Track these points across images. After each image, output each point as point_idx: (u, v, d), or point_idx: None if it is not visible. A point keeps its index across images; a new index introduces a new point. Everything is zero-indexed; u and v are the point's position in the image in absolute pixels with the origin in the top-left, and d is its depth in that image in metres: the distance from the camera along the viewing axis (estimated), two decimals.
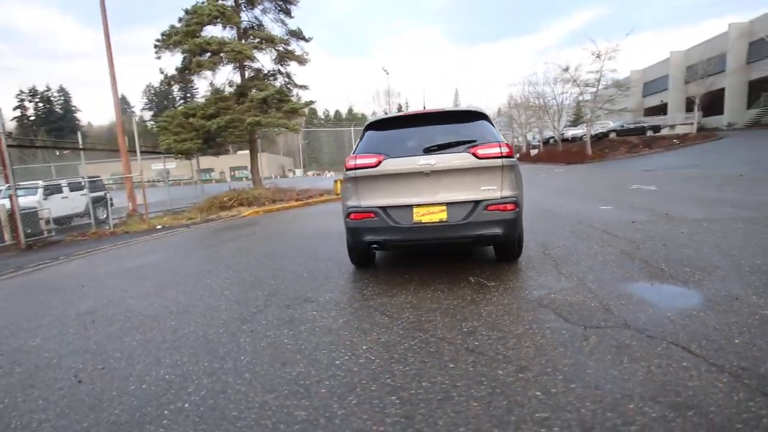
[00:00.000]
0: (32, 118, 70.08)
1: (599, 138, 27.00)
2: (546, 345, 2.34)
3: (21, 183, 10.61)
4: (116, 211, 12.68)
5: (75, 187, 12.58)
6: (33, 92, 70.68)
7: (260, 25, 15.23)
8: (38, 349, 2.95)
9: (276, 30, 15.12)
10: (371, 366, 2.25)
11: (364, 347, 2.49)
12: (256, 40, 14.05)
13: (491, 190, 3.37)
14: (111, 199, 13.00)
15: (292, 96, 14.67)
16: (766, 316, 2.46)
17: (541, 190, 10.93)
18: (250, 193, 13.11)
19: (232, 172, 59.24)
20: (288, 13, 15.62)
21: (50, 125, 66.81)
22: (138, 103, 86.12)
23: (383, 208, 3.49)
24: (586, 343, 2.33)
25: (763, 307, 2.60)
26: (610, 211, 6.71)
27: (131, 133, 12.73)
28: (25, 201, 9.94)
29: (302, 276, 4.29)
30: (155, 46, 13.12)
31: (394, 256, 4.75)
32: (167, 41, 12.76)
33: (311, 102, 14.36)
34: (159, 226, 10.52)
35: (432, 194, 3.42)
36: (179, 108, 14.90)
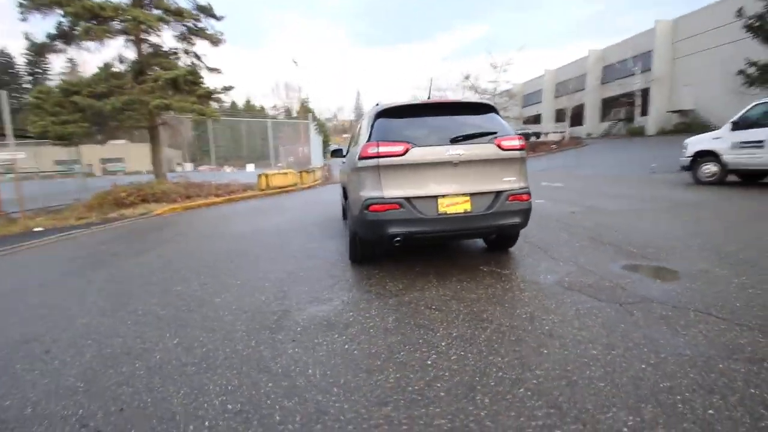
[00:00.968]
0: None
1: None
2: (606, 323, 2.52)
3: None
4: None
5: None
6: None
7: None
8: None
9: (181, 3, 13.24)
10: (468, 362, 2.15)
11: (443, 344, 2.36)
12: (159, 11, 12.08)
13: (512, 180, 3.50)
14: None
15: (202, 80, 13.02)
16: (741, 284, 3.05)
17: None
18: (156, 188, 11.27)
19: (104, 165, 50.18)
20: None
21: None
22: None
23: (408, 199, 3.35)
24: (635, 317, 2.58)
25: (730, 277, 3.22)
26: (546, 204, 7.56)
27: None
28: None
29: (299, 276, 3.87)
30: (21, 5, 10.28)
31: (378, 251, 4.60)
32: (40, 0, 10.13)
33: (230, 87, 12.94)
34: (38, 229, 8.37)
35: (457, 184, 3.40)
36: (57, 84, 12.01)
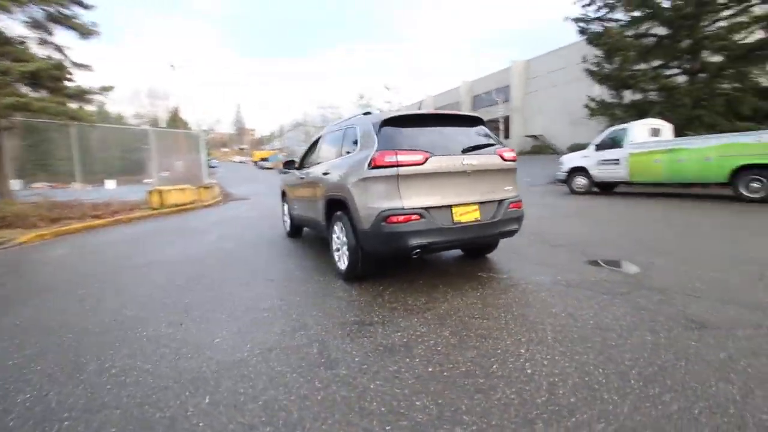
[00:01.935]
0: None
1: None
2: (632, 311, 2.84)
3: None
4: None
5: None
6: None
7: None
8: None
9: None
10: (570, 362, 2.17)
11: (522, 350, 2.34)
12: None
13: (509, 189, 3.74)
14: None
15: (71, 76, 10.52)
16: (685, 271, 3.78)
17: None
18: (5, 209, 8.59)
19: None
20: None
21: None
22: None
23: (427, 209, 3.27)
24: (649, 302, 2.98)
25: (673, 266, 3.97)
26: None
27: None
28: None
29: (306, 293, 3.39)
30: None
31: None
32: None
33: (110, 87, 10.67)
34: None
35: (468, 194, 3.47)
36: None
